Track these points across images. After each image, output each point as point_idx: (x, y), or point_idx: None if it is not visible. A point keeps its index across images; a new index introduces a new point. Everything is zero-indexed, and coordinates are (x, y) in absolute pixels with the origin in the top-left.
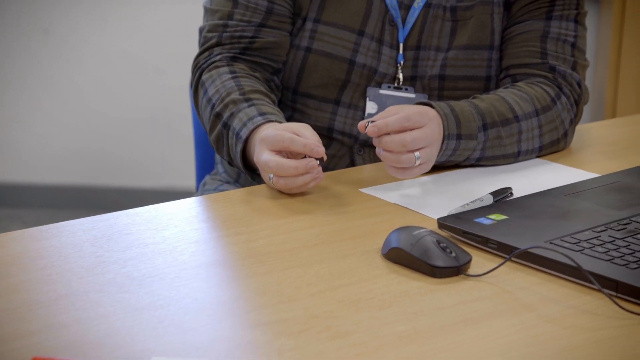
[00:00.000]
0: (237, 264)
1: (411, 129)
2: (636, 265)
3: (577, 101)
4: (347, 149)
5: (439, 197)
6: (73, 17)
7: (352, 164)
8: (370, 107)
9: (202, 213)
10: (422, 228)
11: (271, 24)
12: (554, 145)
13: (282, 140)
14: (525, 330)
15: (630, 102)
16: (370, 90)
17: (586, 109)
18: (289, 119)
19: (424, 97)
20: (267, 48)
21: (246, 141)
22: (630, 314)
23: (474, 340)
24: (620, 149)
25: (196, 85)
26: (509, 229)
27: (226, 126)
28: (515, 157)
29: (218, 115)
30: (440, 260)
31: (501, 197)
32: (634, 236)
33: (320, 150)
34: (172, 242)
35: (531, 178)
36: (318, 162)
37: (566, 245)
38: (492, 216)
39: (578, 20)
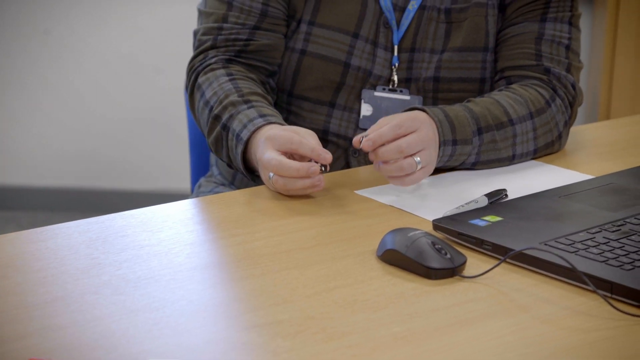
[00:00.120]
0: (232, 265)
1: (405, 135)
2: (631, 267)
3: (572, 103)
4: (342, 151)
5: (434, 198)
6: (72, 19)
7: (348, 166)
8: (365, 109)
9: (197, 215)
10: (417, 230)
11: (266, 27)
12: (548, 148)
13: (290, 142)
14: (520, 331)
15: (624, 103)
16: (365, 93)
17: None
18: (284, 121)
19: (418, 99)
20: (262, 51)
21: (247, 143)
22: (624, 315)
23: (469, 341)
24: (614, 151)
25: (192, 88)
26: (503, 230)
27: (225, 128)
28: (510, 160)
29: (217, 118)
30: (435, 262)
31: (496, 198)
32: (629, 237)
33: (327, 157)
34: (168, 244)
35: (526, 180)
36: (322, 168)
37: (561, 246)
38: (487, 218)
39: (572, 22)
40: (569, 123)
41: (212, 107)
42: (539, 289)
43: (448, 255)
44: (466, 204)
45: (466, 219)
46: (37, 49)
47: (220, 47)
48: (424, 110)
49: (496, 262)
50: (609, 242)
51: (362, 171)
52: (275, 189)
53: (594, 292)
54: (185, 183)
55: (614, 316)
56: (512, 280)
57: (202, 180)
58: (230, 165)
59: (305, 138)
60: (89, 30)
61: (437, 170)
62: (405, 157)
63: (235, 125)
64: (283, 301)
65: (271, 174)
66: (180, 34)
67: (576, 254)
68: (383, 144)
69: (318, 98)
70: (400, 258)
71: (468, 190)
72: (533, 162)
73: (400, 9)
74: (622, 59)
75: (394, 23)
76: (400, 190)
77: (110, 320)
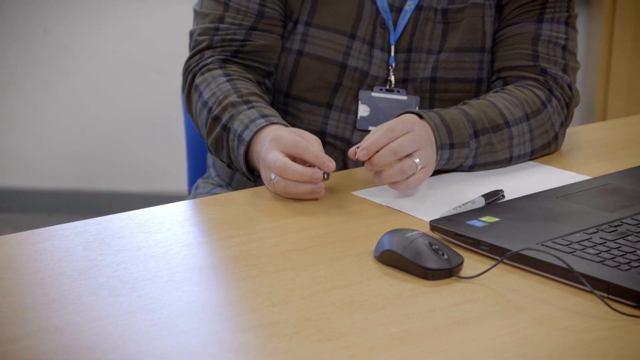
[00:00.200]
0: (229, 267)
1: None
2: (627, 267)
3: (568, 104)
4: (340, 153)
5: (431, 199)
6: (71, 20)
7: (345, 167)
8: (363, 110)
9: (194, 216)
10: (414, 230)
11: (262, 27)
12: (545, 149)
13: (296, 146)
14: (517, 332)
15: (621, 104)
16: (362, 93)
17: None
18: None
19: (416, 99)
20: (258, 51)
21: (249, 143)
22: (621, 315)
23: (466, 341)
24: (611, 151)
25: (189, 89)
26: (500, 231)
27: (226, 129)
28: (507, 162)
29: (216, 119)
30: (432, 263)
31: (493, 199)
32: (625, 238)
33: (331, 165)
34: (165, 245)
35: (523, 180)
36: (324, 176)
37: (558, 247)
38: (484, 218)
39: (569, 23)
40: (565, 124)
41: (210, 108)
42: (536, 289)
43: (445, 256)
44: (463, 204)
45: (463, 220)
46: (35, 50)
47: (216, 47)
48: (419, 116)
49: (493, 262)
50: (605, 242)
51: (360, 172)
52: (275, 190)
53: (590, 292)
54: (182, 185)
55: (611, 316)
56: (509, 281)
57: (199, 181)
58: (230, 166)
59: (311, 143)
60: (88, 30)
61: (435, 172)
62: (404, 159)
63: (237, 125)
64: (280, 302)
65: (273, 175)
66: (179, 35)
67: (573, 255)
68: (378, 151)
69: (315, 99)
70: (398, 259)
71: (465, 191)
72: (530, 162)
73: (397, 10)
74: (619, 60)
75: (390, 23)
76: (397, 191)
77: (107, 322)
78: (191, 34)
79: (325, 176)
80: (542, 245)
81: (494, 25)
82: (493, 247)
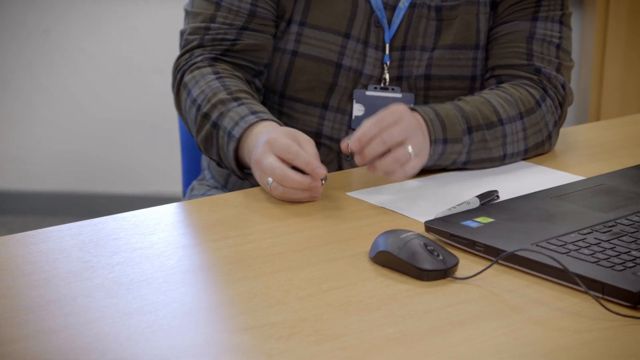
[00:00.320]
0: (225, 268)
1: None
2: (622, 267)
3: (562, 103)
4: (335, 155)
5: (426, 200)
6: (69, 21)
7: (340, 168)
8: (357, 109)
9: (189, 218)
10: (409, 231)
11: (254, 27)
12: (538, 148)
13: (288, 151)
14: (512, 332)
15: (614, 104)
16: (357, 92)
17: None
18: None
19: (410, 97)
20: (248, 50)
21: (239, 140)
22: (616, 315)
23: (461, 342)
24: (605, 152)
25: (178, 87)
26: (495, 231)
27: (216, 126)
28: (501, 160)
29: (206, 116)
30: (427, 263)
31: (487, 200)
32: (620, 238)
33: (321, 172)
34: (160, 246)
35: (517, 181)
36: (322, 181)
37: (552, 247)
38: (479, 219)
39: (563, 21)
40: (559, 123)
41: (199, 106)
42: (531, 290)
43: (440, 257)
44: (458, 205)
45: (458, 221)
46: (33, 51)
47: (206, 46)
48: (415, 110)
49: (488, 263)
50: (600, 242)
51: (354, 173)
52: (272, 194)
53: (585, 292)
54: (177, 187)
55: (606, 317)
56: (504, 282)
57: (194, 183)
58: (219, 163)
59: (304, 147)
60: (87, 31)
61: (429, 172)
62: (396, 148)
63: (227, 123)
64: (276, 303)
65: (270, 180)
66: (178, 37)
67: (568, 255)
68: (369, 142)
69: (310, 99)
70: (393, 260)
71: (460, 191)
72: (524, 163)
73: (391, 8)
74: (612, 60)
75: (385, 22)
76: (392, 192)
77: (103, 323)
78: (182, 33)
79: (323, 181)
80: (537, 245)
81: (488, 22)
82: (488, 247)
